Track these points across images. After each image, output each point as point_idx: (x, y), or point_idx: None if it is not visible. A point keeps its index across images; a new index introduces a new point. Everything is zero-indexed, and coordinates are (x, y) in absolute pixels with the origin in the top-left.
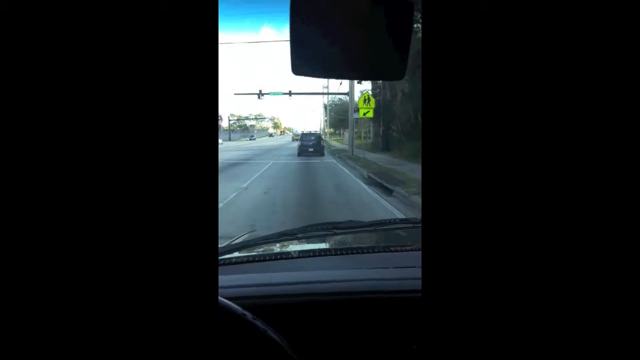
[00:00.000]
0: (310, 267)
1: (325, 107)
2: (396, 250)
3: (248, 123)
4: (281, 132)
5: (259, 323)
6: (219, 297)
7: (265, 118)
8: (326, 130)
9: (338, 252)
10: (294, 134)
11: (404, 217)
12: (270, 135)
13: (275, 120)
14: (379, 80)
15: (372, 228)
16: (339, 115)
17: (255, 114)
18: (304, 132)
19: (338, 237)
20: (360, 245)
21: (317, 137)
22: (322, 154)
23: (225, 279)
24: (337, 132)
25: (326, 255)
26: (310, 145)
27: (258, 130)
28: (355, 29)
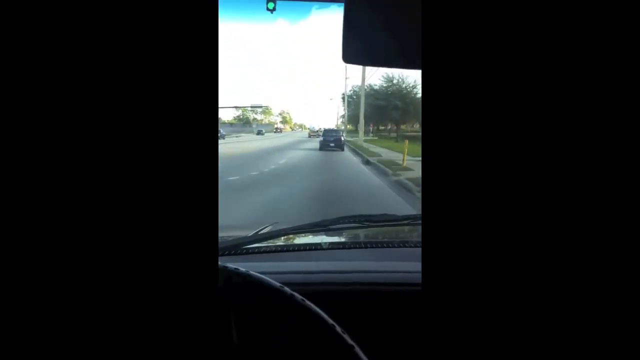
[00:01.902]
0: (343, 259)
1: (343, 98)
2: None
3: (251, 116)
4: (291, 128)
5: (297, 295)
6: (268, 279)
7: (260, 106)
8: (342, 127)
9: (370, 245)
10: (310, 130)
11: None
12: (277, 130)
13: (285, 115)
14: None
15: (406, 222)
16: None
17: (263, 106)
18: (326, 128)
19: (371, 230)
20: (393, 239)
21: (338, 133)
22: (342, 149)
23: (257, 266)
24: (356, 128)
25: (358, 247)
26: (331, 140)
27: (259, 125)
28: (410, 17)
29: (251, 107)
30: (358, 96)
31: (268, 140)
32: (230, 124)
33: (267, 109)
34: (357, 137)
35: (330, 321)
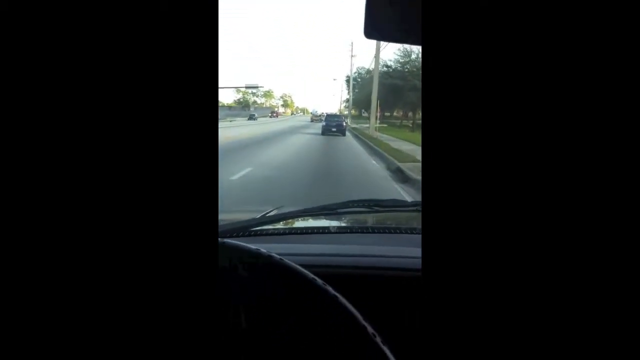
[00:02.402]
0: (350, 243)
1: (347, 81)
2: None
3: (251, 99)
4: (292, 112)
5: (330, 288)
6: (287, 260)
7: (256, 87)
8: (345, 112)
9: (378, 230)
10: (313, 114)
11: None
12: (273, 114)
13: (286, 98)
14: None
15: (414, 208)
16: (366, 91)
17: (264, 90)
18: (328, 113)
19: (379, 215)
20: (400, 225)
21: (340, 118)
22: (344, 134)
23: (267, 247)
24: (363, 113)
25: (366, 232)
26: (333, 125)
27: (257, 108)
28: None
29: (245, 87)
30: (363, 78)
31: (260, 126)
32: (229, 107)
33: (269, 92)
34: (366, 124)
35: (362, 322)
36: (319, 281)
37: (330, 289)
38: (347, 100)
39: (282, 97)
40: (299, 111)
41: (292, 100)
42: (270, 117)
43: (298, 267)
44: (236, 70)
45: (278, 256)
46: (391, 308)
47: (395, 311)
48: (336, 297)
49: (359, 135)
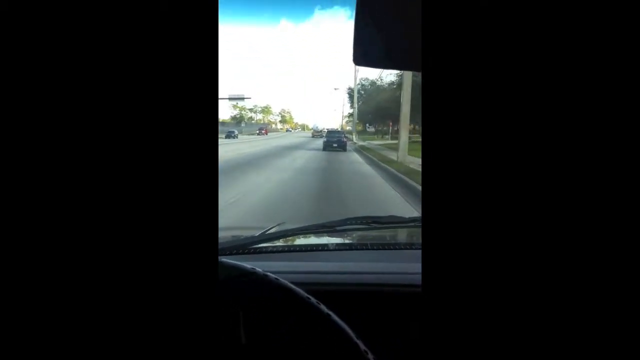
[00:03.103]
0: (350, 260)
1: (350, 95)
2: None
3: (247, 115)
4: (288, 128)
5: (322, 307)
6: (280, 279)
7: (242, 98)
8: (348, 128)
9: (377, 247)
10: (314, 130)
11: None
12: (261, 130)
13: (284, 114)
14: None
15: (412, 224)
16: (372, 102)
17: (262, 105)
18: (329, 129)
19: (377, 232)
20: (399, 241)
21: (340, 134)
22: (345, 150)
23: (265, 265)
24: (368, 128)
25: (365, 249)
26: (334, 141)
27: (248, 124)
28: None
29: (229, 98)
30: (367, 90)
31: (231, 147)
32: (223, 123)
33: (267, 107)
34: (375, 141)
35: (355, 339)
36: (313, 300)
37: (323, 307)
38: (351, 115)
39: (280, 113)
40: (298, 127)
41: (291, 116)
42: (258, 134)
43: (292, 286)
44: (229, 78)
45: (273, 275)
46: (391, 324)
47: (395, 327)
48: (329, 315)
49: (383, 166)
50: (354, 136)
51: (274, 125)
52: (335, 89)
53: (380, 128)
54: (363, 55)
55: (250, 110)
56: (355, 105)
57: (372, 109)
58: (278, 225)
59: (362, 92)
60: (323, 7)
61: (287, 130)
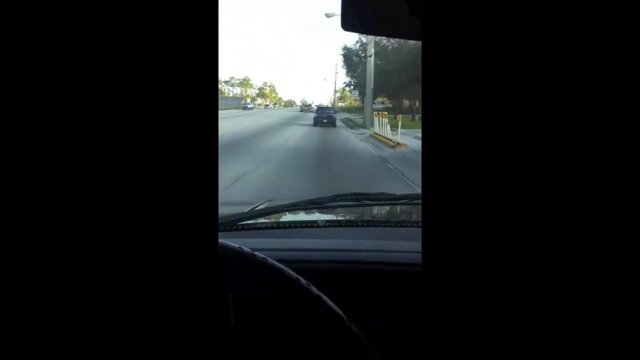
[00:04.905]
0: (338, 237)
1: (345, 57)
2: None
3: (224, 89)
4: (267, 104)
5: (313, 288)
6: (268, 259)
7: None
8: (341, 104)
9: (366, 224)
10: (302, 104)
11: None
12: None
13: (266, 89)
14: None
15: (403, 201)
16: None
17: (240, 77)
18: (319, 106)
19: (367, 209)
20: (389, 219)
21: (330, 110)
22: (335, 126)
23: (254, 242)
24: (362, 101)
25: (354, 226)
26: (324, 117)
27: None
28: None
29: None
30: (382, 49)
31: None
32: None
33: (245, 80)
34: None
35: (347, 322)
36: (303, 281)
37: (314, 288)
38: (349, 85)
39: (259, 88)
40: (275, 104)
41: (274, 90)
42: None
43: (281, 266)
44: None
45: (261, 255)
46: (383, 303)
47: (387, 306)
48: (319, 297)
49: None
50: (377, 126)
51: (247, 100)
52: (324, 79)
53: (393, 104)
54: (352, 19)
55: (227, 83)
56: (370, 67)
57: (394, 74)
58: (268, 201)
59: (356, 59)
60: None
61: (266, 106)
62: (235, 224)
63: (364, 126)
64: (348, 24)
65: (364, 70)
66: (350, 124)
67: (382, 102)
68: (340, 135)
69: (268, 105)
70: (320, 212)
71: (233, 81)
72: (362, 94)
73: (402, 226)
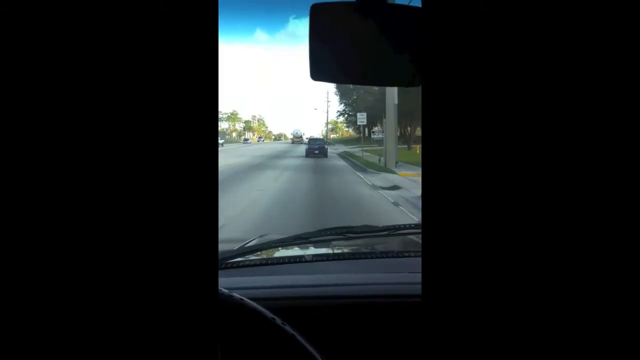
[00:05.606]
0: (324, 271)
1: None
2: (410, 256)
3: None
4: (246, 138)
5: (287, 328)
6: (247, 300)
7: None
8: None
9: (351, 257)
10: (294, 135)
11: (419, 221)
12: None
13: (253, 122)
14: (396, 86)
15: (386, 233)
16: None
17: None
18: (311, 137)
19: (352, 242)
20: (374, 251)
21: (322, 141)
22: (326, 156)
23: (241, 281)
24: (373, 134)
25: (340, 259)
26: (316, 148)
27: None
28: (370, 38)
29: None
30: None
31: None
32: None
33: (233, 114)
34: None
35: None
36: (278, 320)
37: (288, 328)
38: (342, 114)
39: (246, 123)
40: (260, 137)
41: (264, 123)
42: None
43: (257, 305)
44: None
45: (238, 296)
46: (369, 337)
47: (369, 339)
48: (294, 336)
49: None
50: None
51: (233, 135)
52: (315, 109)
53: (402, 132)
54: (319, 72)
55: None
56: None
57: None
58: (259, 237)
59: (352, 86)
60: (297, 17)
61: (244, 141)
62: (222, 263)
63: (384, 168)
64: (316, 76)
65: (362, 95)
66: (355, 162)
67: (382, 132)
68: (355, 193)
69: (248, 140)
70: (307, 247)
71: (221, 115)
72: (361, 122)
73: (387, 257)
